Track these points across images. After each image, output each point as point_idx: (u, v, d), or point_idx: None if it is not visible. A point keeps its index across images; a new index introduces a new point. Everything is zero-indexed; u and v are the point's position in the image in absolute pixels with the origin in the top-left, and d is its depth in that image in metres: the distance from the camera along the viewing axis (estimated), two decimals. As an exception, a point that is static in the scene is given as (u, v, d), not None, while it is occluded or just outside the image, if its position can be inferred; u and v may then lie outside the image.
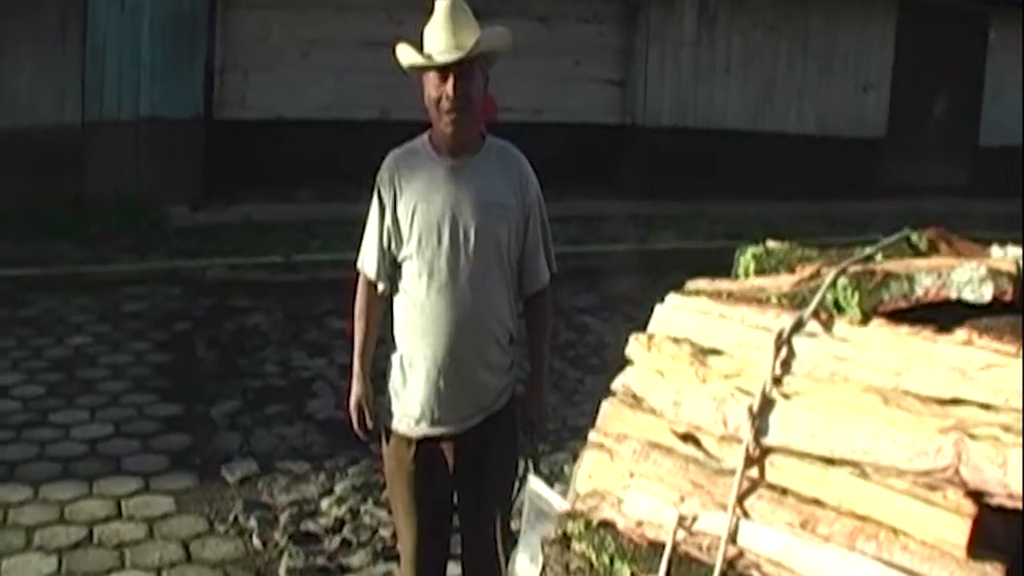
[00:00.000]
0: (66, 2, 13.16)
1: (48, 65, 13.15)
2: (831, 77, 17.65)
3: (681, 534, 3.22)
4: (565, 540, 3.51)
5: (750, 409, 3.08)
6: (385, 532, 6.56)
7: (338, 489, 7.08)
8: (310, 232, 12.92)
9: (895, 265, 3.18)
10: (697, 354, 3.35)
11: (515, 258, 4.68)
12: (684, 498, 3.25)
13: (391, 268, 4.68)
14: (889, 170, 17.68)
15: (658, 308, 3.54)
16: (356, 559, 6.35)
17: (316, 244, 12.46)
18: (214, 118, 14.16)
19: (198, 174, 13.87)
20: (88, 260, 11.50)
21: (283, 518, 6.69)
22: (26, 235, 11.83)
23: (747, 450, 3.09)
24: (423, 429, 4.69)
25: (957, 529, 2.67)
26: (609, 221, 14.36)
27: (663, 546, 3.23)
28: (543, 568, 3.47)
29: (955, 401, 2.80)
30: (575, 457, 4.13)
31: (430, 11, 4.50)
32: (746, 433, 3.09)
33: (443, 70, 4.41)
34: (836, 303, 3.14)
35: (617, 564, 3.35)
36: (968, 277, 2.93)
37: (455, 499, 4.88)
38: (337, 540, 6.52)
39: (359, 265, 4.78)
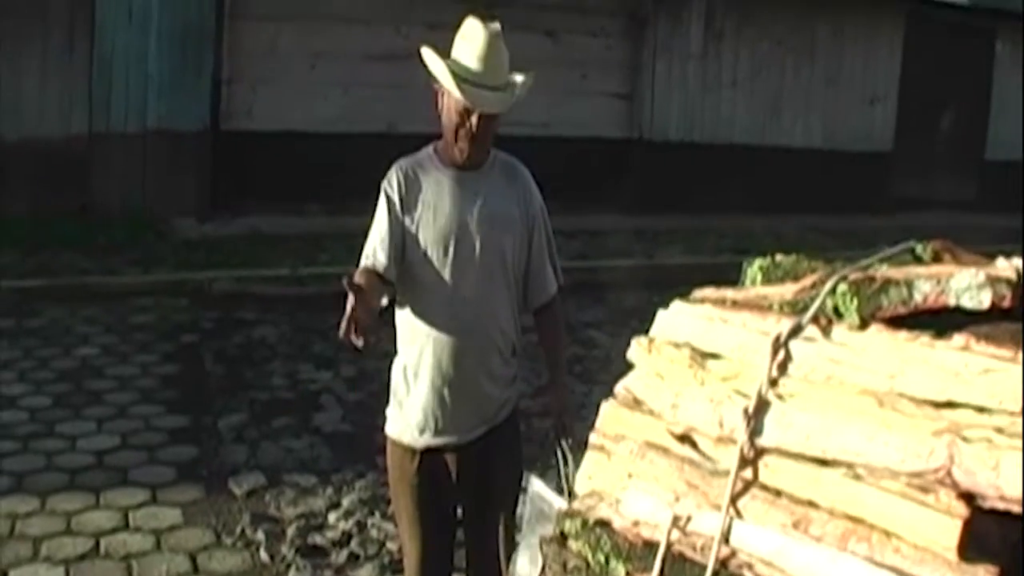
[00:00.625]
0: (74, 14, 13.18)
1: (55, 76, 13.17)
2: (838, 91, 17.68)
3: (675, 534, 3.24)
4: (563, 539, 3.54)
5: (745, 411, 3.10)
6: (392, 545, 6.54)
7: (345, 502, 7.06)
8: (317, 245, 12.92)
9: (895, 272, 3.20)
10: (696, 357, 3.37)
11: (520, 270, 4.70)
12: (679, 498, 3.28)
13: (396, 270, 4.61)
14: (896, 184, 17.71)
15: (661, 313, 3.56)
16: (363, 572, 6.34)
17: (323, 257, 12.45)
18: (221, 130, 14.16)
19: (205, 186, 13.88)
20: (95, 271, 11.50)
21: (290, 531, 6.68)
22: (33, 246, 11.85)
23: (742, 451, 3.11)
24: (426, 439, 4.68)
25: (949, 531, 2.68)
26: (616, 235, 14.37)
27: (658, 545, 3.24)
28: (542, 568, 3.48)
29: (949, 404, 2.82)
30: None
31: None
32: (741, 434, 3.11)
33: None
34: (836, 309, 3.17)
35: (613, 563, 3.37)
36: (967, 284, 2.94)
37: (459, 511, 4.88)
38: (344, 553, 6.51)
39: (362, 262, 4.58)
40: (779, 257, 3.66)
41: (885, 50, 17.93)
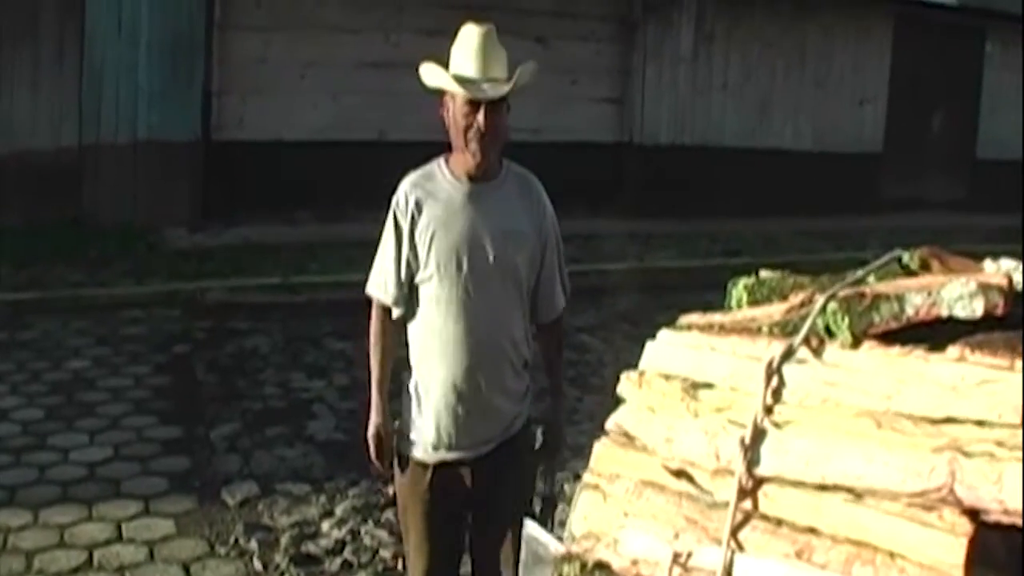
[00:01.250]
0: (64, 26, 13.19)
1: (46, 88, 13.18)
2: (828, 92, 17.71)
3: (676, 571, 3.20)
4: (561, 584, 3.50)
5: (742, 441, 3.06)
6: (386, 553, 6.55)
7: (338, 511, 7.06)
8: (309, 253, 12.92)
9: (885, 287, 3.17)
10: (688, 388, 3.33)
11: (531, 285, 4.66)
12: (678, 534, 3.23)
13: (407, 293, 4.62)
14: (887, 185, 17.73)
15: (648, 345, 3.53)
16: (357, 580, 6.35)
17: (315, 266, 12.45)
18: (212, 140, 14.17)
19: (196, 196, 13.88)
20: (87, 283, 11.50)
21: (284, 540, 6.67)
22: (24, 259, 11.84)
23: (740, 482, 3.07)
24: (440, 454, 4.64)
25: (953, 549, 2.66)
26: (607, 239, 14.37)
27: (659, 584, 3.22)
28: None
29: (948, 420, 2.79)
30: (576, 476, 4.11)
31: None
32: (738, 465, 3.07)
33: (475, 102, 4.39)
34: (827, 328, 3.13)
35: (614, 605, 3.34)
36: (959, 293, 2.92)
37: (469, 524, 4.85)
38: (338, 562, 6.50)
39: (369, 291, 4.73)
40: (764, 274, 3.65)
41: (874, 51, 17.96)
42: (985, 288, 2.90)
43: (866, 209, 16.82)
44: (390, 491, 7.09)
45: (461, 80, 4.39)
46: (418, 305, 4.61)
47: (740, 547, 3.08)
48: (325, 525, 6.90)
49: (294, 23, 14.47)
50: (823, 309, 3.14)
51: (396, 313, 4.67)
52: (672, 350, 3.46)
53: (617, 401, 3.54)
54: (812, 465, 2.96)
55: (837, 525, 2.92)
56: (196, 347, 10.16)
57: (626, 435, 3.43)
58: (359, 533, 6.79)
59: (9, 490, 7.11)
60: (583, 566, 3.42)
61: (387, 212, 4.61)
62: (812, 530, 2.97)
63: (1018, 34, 18.20)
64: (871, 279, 3.33)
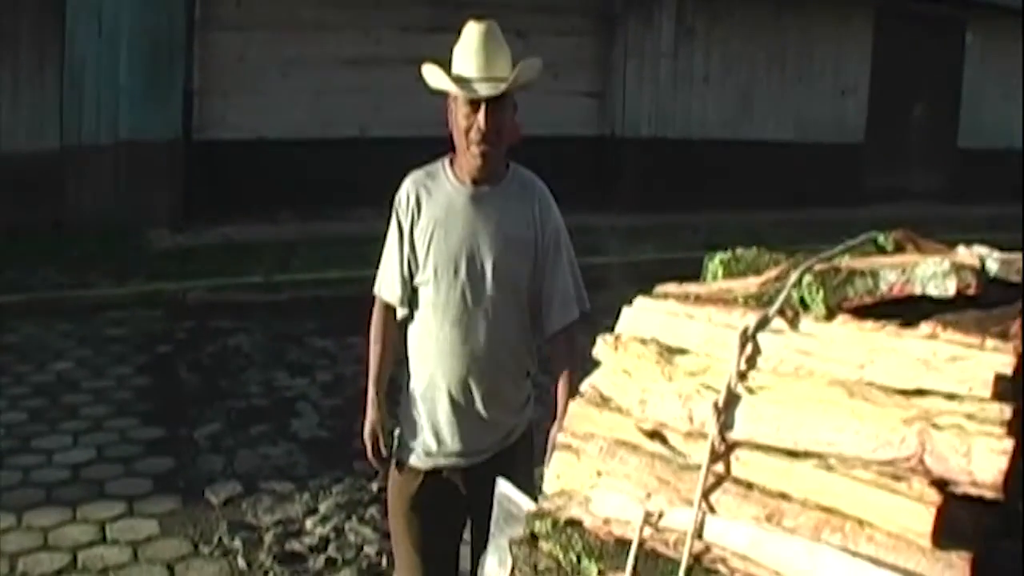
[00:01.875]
0: (43, 27, 13.16)
1: (26, 91, 13.16)
2: (809, 84, 17.74)
3: (648, 530, 3.22)
4: (533, 540, 3.51)
5: (715, 404, 3.09)
6: (370, 550, 6.56)
7: (322, 508, 7.06)
8: (291, 251, 12.91)
9: (860, 263, 3.20)
10: (664, 353, 3.36)
11: (534, 293, 4.51)
12: (650, 495, 3.26)
13: (411, 293, 4.55)
14: (869, 175, 17.77)
15: (625, 310, 3.56)
16: (341, 578, 6.36)
17: (297, 264, 12.45)
18: (193, 140, 14.17)
19: (178, 197, 13.87)
20: (69, 285, 11.48)
21: (268, 538, 6.68)
22: (6, 262, 11.81)
23: (712, 445, 3.10)
24: (433, 460, 4.59)
25: (922, 518, 2.68)
26: (590, 233, 14.31)
27: (630, 543, 3.24)
28: (512, 570, 3.47)
29: (919, 392, 2.81)
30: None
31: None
32: (712, 428, 3.10)
33: (475, 101, 4.30)
34: (802, 300, 3.16)
35: (584, 562, 3.35)
36: (932, 272, 2.95)
37: (465, 532, 4.75)
38: (322, 559, 6.51)
39: (376, 290, 4.67)
40: (740, 251, 3.67)
41: (855, 42, 17.99)
42: (958, 268, 2.92)
43: (848, 200, 16.84)
44: (374, 487, 7.12)
45: (460, 80, 4.30)
46: (417, 307, 4.55)
47: (711, 509, 3.11)
48: (309, 523, 6.91)
49: (274, 21, 14.47)
50: (798, 282, 3.17)
51: (400, 313, 4.61)
52: (648, 316, 3.48)
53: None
54: (784, 431, 2.99)
55: (807, 491, 2.94)
56: (179, 347, 10.16)
57: (601, 396, 3.45)
58: (343, 530, 6.80)
59: (-7, 494, 7.12)
60: (555, 523, 3.44)
61: (389, 210, 4.57)
62: (783, 495, 2.99)
63: (998, 24, 18.25)
64: (846, 257, 3.36)
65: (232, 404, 8.79)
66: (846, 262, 3.24)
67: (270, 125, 14.44)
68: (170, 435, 8.13)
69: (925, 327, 2.90)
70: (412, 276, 4.52)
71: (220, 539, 6.66)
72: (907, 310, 3.00)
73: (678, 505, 3.20)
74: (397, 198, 4.54)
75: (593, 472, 3.46)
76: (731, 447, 3.12)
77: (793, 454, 2.99)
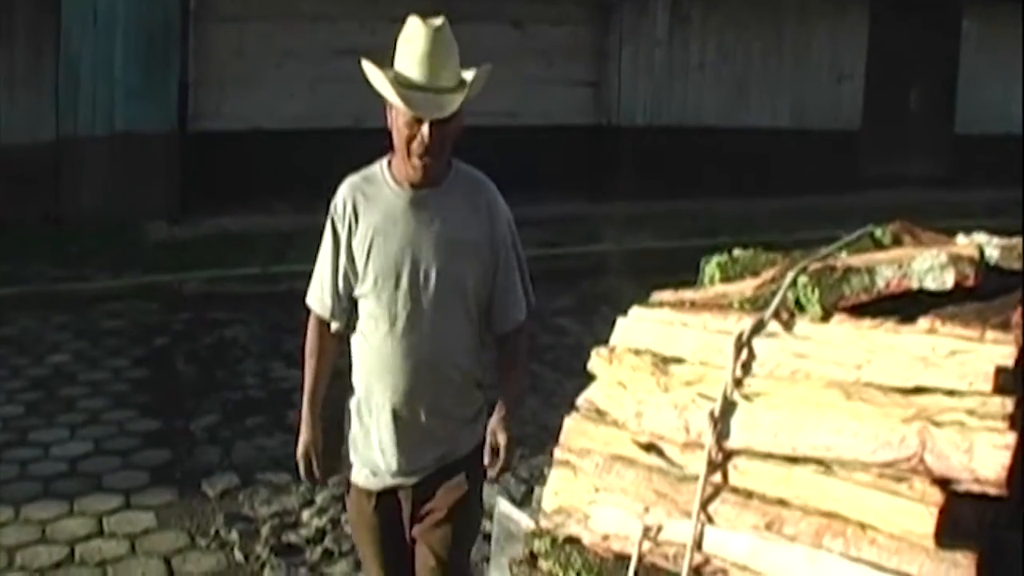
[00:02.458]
0: (38, 20, 13.13)
1: (21, 83, 13.13)
2: (805, 70, 17.67)
3: (647, 545, 3.22)
4: (532, 559, 3.51)
5: (711, 414, 3.08)
6: (367, 541, 6.57)
7: (319, 499, 7.06)
8: (287, 242, 12.86)
9: (856, 259, 3.19)
10: (659, 363, 3.35)
11: (484, 298, 4.31)
12: (648, 508, 3.25)
13: (348, 305, 4.33)
14: (866, 162, 17.71)
15: (620, 321, 3.55)
16: (338, 569, 6.36)
17: (293, 254, 12.38)
18: (189, 132, 14.14)
19: (174, 188, 13.84)
20: (65, 278, 11.47)
21: (264, 530, 6.69)
22: (2, 254, 11.79)
23: (709, 455, 3.09)
24: (382, 480, 4.39)
25: (924, 519, 2.68)
26: (586, 222, 14.36)
27: (629, 558, 3.23)
28: None
29: (918, 390, 2.81)
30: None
31: (402, 20, 4.25)
32: (708, 438, 3.09)
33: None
34: (797, 302, 3.15)
35: (584, 579, 3.36)
36: (929, 265, 2.95)
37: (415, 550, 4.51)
38: (319, 550, 6.52)
39: (308, 301, 4.44)
40: (736, 252, 3.66)
41: (851, 28, 17.91)
42: (955, 260, 2.92)
43: (845, 186, 16.79)
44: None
45: (405, 86, 4.00)
46: (359, 319, 4.32)
47: (710, 520, 3.11)
48: (305, 514, 6.92)
49: (269, 12, 14.43)
50: (794, 283, 3.16)
51: (334, 326, 4.39)
52: (643, 326, 3.48)
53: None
54: (782, 437, 2.98)
55: (807, 497, 2.94)
56: (175, 339, 10.16)
57: (597, 410, 3.46)
58: (339, 521, 6.79)
59: (-10, 487, 7.13)
60: (554, 541, 3.45)
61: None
62: (782, 502, 2.99)
63: (994, 10, 18.19)
64: (843, 254, 3.35)
65: (229, 396, 8.80)
66: (842, 260, 3.23)
67: (266, 116, 14.41)
68: (167, 427, 8.14)
69: (924, 322, 2.90)
70: (350, 288, 4.29)
71: (217, 531, 6.69)
72: (906, 304, 3.00)
73: (677, 517, 3.19)
74: (333, 205, 4.30)
75: (591, 488, 3.45)
76: (728, 456, 3.11)
77: (792, 460, 2.98)
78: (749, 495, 3.07)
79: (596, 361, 3.51)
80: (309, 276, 4.44)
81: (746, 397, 3.10)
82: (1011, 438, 2.60)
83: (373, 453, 4.37)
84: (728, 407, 3.09)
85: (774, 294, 3.21)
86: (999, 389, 2.69)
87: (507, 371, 4.40)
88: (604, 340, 3.62)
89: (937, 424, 2.70)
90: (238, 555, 6.44)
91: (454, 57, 4.11)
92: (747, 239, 3.93)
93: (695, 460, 3.15)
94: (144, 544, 6.53)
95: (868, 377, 2.92)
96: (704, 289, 3.58)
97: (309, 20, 14.64)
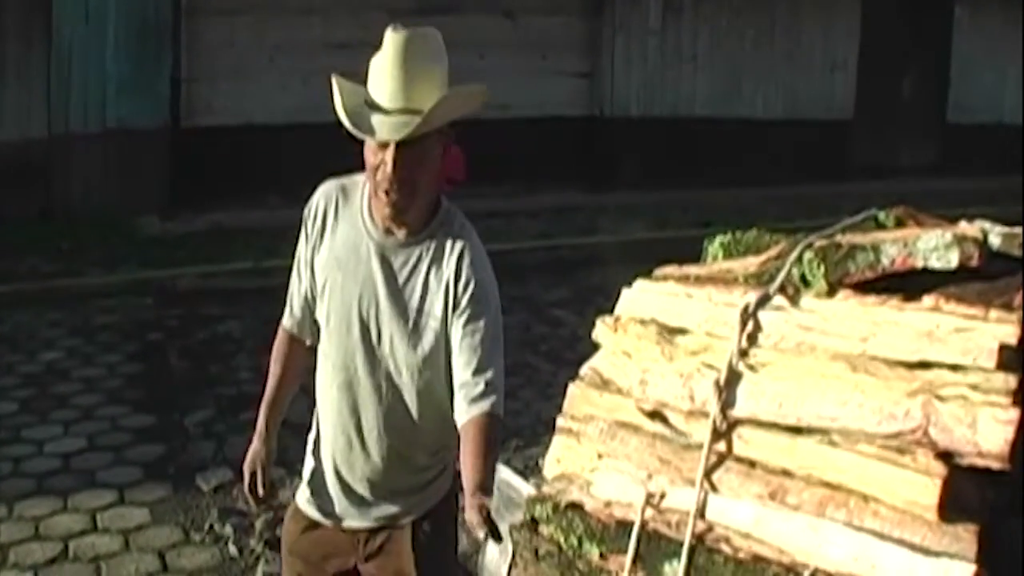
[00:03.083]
0: (30, 15, 13.08)
1: (12, 79, 13.07)
2: (798, 60, 17.66)
3: (649, 512, 3.23)
4: (533, 524, 3.51)
5: (716, 382, 3.10)
6: (361, 534, 6.56)
7: (314, 494, 7.05)
8: (280, 236, 12.79)
9: (861, 237, 3.21)
10: (664, 333, 3.37)
11: (445, 374, 3.64)
12: (652, 475, 3.27)
13: (314, 326, 3.89)
14: (859, 151, 17.72)
15: (625, 291, 3.56)
16: (332, 563, 6.34)
17: (286, 249, 12.27)
18: (181, 127, 14.10)
19: (167, 184, 13.80)
20: (58, 274, 11.44)
21: (258, 524, 6.66)
22: (-6, 251, 11.79)
23: (714, 423, 3.11)
24: (314, 512, 3.99)
25: (927, 491, 2.69)
26: (580, 213, 14.37)
27: (632, 525, 3.24)
28: (512, 556, 3.46)
29: (923, 364, 2.83)
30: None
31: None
32: (713, 406, 3.11)
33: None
34: (803, 277, 3.17)
35: (586, 545, 3.36)
36: (934, 244, 2.96)
37: None
38: (313, 545, 6.51)
39: (284, 318, 4.04)
40: (739, 232, 3.67)
41: (844, 17, 17.90)
42: (960, 239, 2.93)
43: (838, 175, 16.79)
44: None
45: (362, 108, 3.51)
46: (319, 344, 3.89)
47: (713, 488, 3.12)
48: (300, 508, 6.90)
49: (261, 5, 14.40)
50: (799, 259, 3.17)
51: (299, 336, 4.01)
52: (648, 297, 3.50)
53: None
54: (786, 407, 3.00)
55: (811, 467, 2.96)
56: (169, 334, 10.14)
57: (601, 378, 3.47)
58: (334, 515, 6.79)
59: (-17, 484, 7.12)
60: (555, 507, 3.45)
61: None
62: (786, 472, 3.01)
63: (987, -1, 18.21)
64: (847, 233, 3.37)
65: (222, 391, 8.78)
66: (847, 237, 3.25)
67: (258, 111, 14.39)
68: (160, 423, 8.13)
69: (928, 299, 2.91)
70: (311, 308, 3.87)
71: (211, 526, 6.68)
72: (909, 284, 3.01)
73: (680, 485, 3.20)
74: (307, 208, 3.85)
75: (594, 455, 3.46)
76: (733, 425, 3.13)
77: (796, 430, 3.00)
78: (753, 464, 3.09)
79: (601, 329, 3.53)
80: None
81: (751, 367, 3.12)
82: (1014, 414, 2.62)
83: (313, 483, 4.02)
84: (733, 377, 3.11)
85: (779, 270, 3.24)
86: (1002, 366, 2.71)
87: (470, 462, 3.43)
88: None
89: (941, 398, 2.72)
90: (232, 549, 6.44)
91: (429, 76, 3.52)
92: (741, 228, 3.91)
93: (699, 428, 3.16)
94: (138, 539, 6.53)
95: (873, 350, 2.94)
96: (708, 265, 3.59)
97: (301, 13, 14.62)
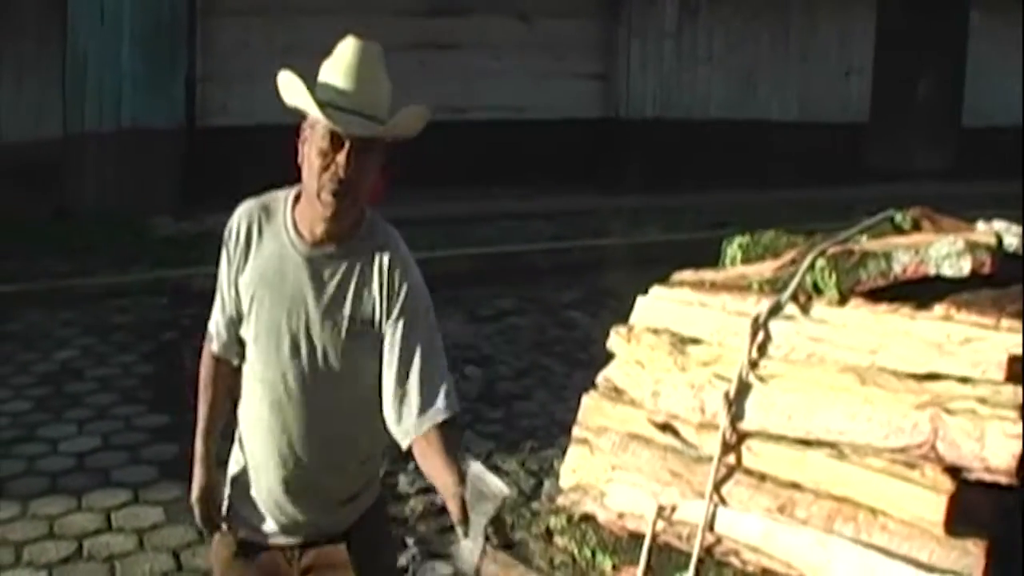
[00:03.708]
0: (46, 15, 13.11)
1: (28, 78, 13.10)
2: (813, 63, 17.65)
3: (660, 524, 3.23)
4: (548, 535, 3.51)
5: (726, 395, 3.09)
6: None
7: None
8: (294, 237, 12.87)
9: (873, 244, 3.20)
10: (676, 343, 3.36)
11: (382, 384, 3.60)
12: (663, 488, 3.26)
13: (240, 347, 3.81)
14: (874, 154, 17.70)
15: (640, 300, 3.55)
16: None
17: (301, 248, 12.40)
18: (196, 127, 14.14)
19: (181, 184, 13.83)
20: (72, 273, 11.44)
21: (272, 524, 6.66)
22: (9, 250, 11.75)
23: (724, 436, 3.10)
24: (241, 531, 3.93)
25: (935, 506, 2.68)
26: (594, 215, 14.35)
27: (643, 537, 3.23)
28: (483, 544, 3.38)
29: (932, 376, 2.81)
30: (565, 453, 4.12)
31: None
32: (723, 419, 3.09)
33: (338, 137, 3.48)
34: (815, 285, 3.15)
35: (599, 557, 3.37)
36: (946, 251, 2.94)
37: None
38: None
39: (209, 327, 3.94)
40: (758, 234, 3.66)
41: (859, 21, 17.89)
42: (972, 246, 2.91)
43: (853, 179, 16.78)
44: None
45: (325, 104, 3.50)
46: (245, 362, 3.82)
47: (723, 501, 3.12)
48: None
49: (274, 7, 14.43)
50: (812, 266, 3.16)
51: (235, 363, 3.90)
52: (662, 305, 3.49)
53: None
54: (796, 420, 2.99)
55: (820, 480, 2.95)
56: (183, 334, 10.10)
57: (615, 389, 3.47)
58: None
59: (-2, 482, 7.12)
60: (570, 518, 3.45)
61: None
62: (795, 485, 3.00)
63: (1003, 2, 18.14)
64: (863, 238, 3.35)
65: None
66: (860, 244, 3.23)
67: (272, 111, 14.28)
68: (175, 422, 8.09)
69: (939, 308, 2.89)
70: (236, 329, 3.79)
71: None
72: (923, 290, 2.99)
73: (690, 498, 3.20)
74: (227, 230, 3.77)
75: (607, 466, 3.46)
76: (743, 438, 3.12)
77: (805, 443, 2.99)
78: (762, 477, 3.09)
79: (615, 339, 3.52)
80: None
81: (761, 379, 3.11)
82: (1022, 428, 2.59)
83: (246, 503, 3.93)
84: (743, 389, 3.10)
85: (792, 276, 3.22)
86: (1012, 377, 2.68)
87: (440, 464, 3.40)
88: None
89: (949, 411, 2.70)
90: (246, 549, 6.42)
91: (385, 88, 3.59)
92: (754, 231, 3.89)
93: (710, 441, 3.16)
94: (152, 539, 6.52)
95: (882, 362, 2.93)
96: (724, 270, 3.58)
97: (315, 15, 14.62)
